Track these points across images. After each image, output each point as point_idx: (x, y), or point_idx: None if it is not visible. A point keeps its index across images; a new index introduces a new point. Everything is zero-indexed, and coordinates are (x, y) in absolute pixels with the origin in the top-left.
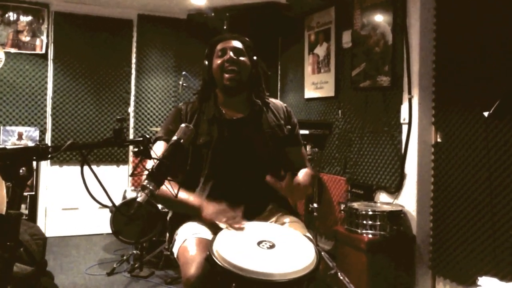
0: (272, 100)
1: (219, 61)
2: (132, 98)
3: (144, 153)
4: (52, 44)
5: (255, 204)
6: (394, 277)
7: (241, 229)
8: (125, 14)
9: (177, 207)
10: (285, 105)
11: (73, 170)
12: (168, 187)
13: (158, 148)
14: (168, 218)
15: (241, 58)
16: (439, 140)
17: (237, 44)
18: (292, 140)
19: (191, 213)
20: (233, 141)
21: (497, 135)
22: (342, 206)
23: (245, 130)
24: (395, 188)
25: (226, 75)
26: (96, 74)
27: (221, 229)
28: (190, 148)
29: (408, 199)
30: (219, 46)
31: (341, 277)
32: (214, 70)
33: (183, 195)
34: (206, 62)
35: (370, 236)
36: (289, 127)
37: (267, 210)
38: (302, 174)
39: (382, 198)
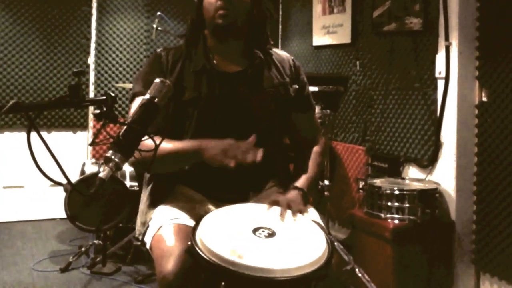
0: (276, 51)
1: None
2: (93, 45)
3: (108, 116)
4: None
5: (251, 180)
6: (427, 273)
7: (259, 159)
8: None
9: (169, 160)
10: (292, 58)
11: (17, 138)
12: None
13: None
14: (142, 198)
15: None
16: (484, 99)
17: None
18: (300, 103)
19: (191, 161)
20: (226, 100)
21: None
22: (361, 184)
23: (241, 88)
24: (429, 161)
25: (220, 12)
26: (47, 16)
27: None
28: (171, 106)
29: (445, 175)
30: None
31: (360, 274)
32: (204, 7)
33: (172, 144)
34: None
35: (396, 221)
36: (296, 86)
37: (265, 189)
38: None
39: (412, 173)
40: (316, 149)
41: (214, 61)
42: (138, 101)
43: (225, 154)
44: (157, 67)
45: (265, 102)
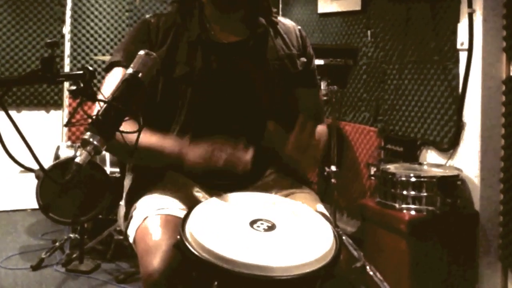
0: (281, 19)
1: None
2: (68, 13)
3: (85, 93)
4: None
5: (250, 166)
6: (447, 271)
7: (247, 168)
8: None
9: (146, 157)
10: (298, 27)
11: None
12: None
13: (114, 79)
14: (125, 186)
15: None
16: None
17: None
18: (306, 78)
19: (169, 163)
20: (223, 75)
21: None
22: (373, 170)
23: (242, 60)
24: (449, 144)
25: None
26: None
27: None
28: (161, 82)
29: (467, 160)
30: None
31: (371, 272)
32: None
33: (151, 138)
34: None
35: (412, 213)
36: (304, 59)
37: (265, 176)
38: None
39: (431, 158)
40: (322, 127)
41: (212, 32)
42: (114, 72)
43: (209, 161)
44: (143, 36)
45: (270, 76)
